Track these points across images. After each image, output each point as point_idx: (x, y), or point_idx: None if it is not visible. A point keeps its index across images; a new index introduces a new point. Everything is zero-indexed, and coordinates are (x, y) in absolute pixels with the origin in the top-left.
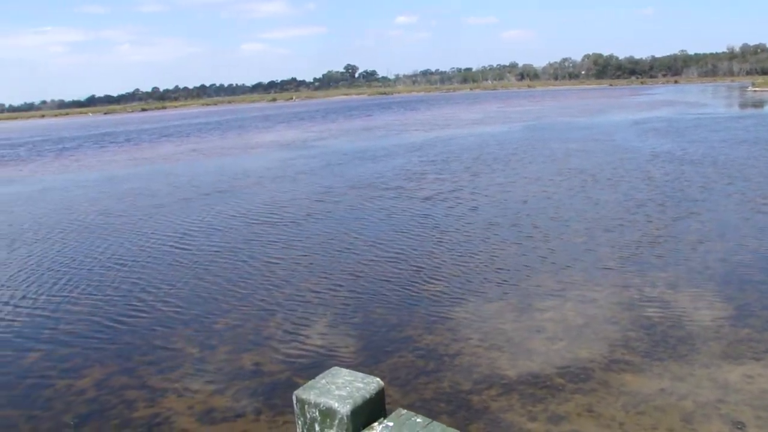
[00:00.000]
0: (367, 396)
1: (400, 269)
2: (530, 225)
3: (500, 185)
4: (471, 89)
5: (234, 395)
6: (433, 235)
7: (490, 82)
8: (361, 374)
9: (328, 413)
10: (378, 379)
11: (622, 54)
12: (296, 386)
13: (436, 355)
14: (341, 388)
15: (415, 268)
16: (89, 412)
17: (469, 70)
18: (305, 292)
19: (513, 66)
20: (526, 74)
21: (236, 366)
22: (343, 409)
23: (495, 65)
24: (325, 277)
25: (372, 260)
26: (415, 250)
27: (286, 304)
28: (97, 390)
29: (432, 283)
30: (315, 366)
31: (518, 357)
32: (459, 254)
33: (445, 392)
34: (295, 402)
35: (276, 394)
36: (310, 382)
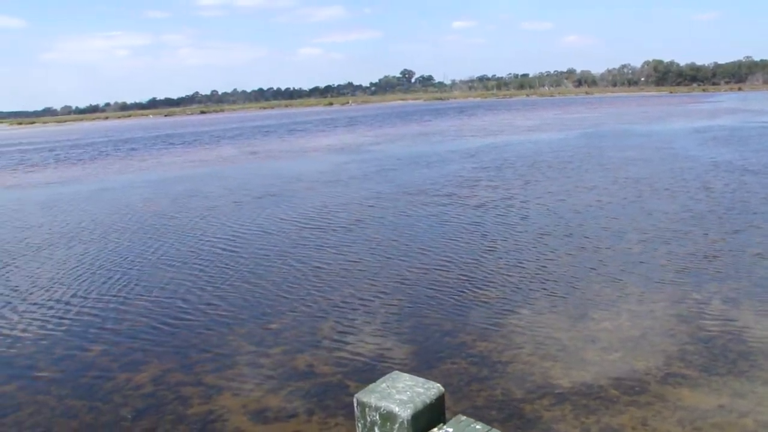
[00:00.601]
0: (428, 401)
1: (453, 275)
2: (584, 234)
3: (554, 194)
4: (527, 95)
5: (287, 395)
6: (486, 243)
7: (546, 88)
8: (421, 379)
9: (388, 417)
10: (438, 384)
11: (683, 60)
12: (349, 388)
13: (489, 362)
14: (402, 393)
15: (467, 275)
16: (146, 407)
17: (525, 76)
18: (358, 296)
19: (570, 72)
20: (584, 81)
21: (290, 367)
22: (404, 413)
23: (552, 71)
24: (378, 282)
25: (424, 266)
26: (467, 256)
27: (339, 307)
28: (154, 385)
29: (485, 290)
30: (368, 369)
31: (572, 367)
32: (511, 262)
33: (498, 400)
34: (356, 405)
35: (328, 396)
36: (371, 386)
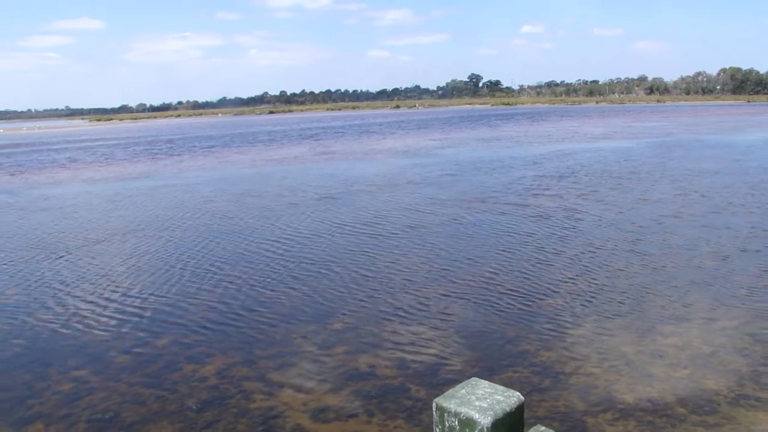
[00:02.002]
0: (508, 409)
1: (515, 284)
2: (651, 248)
3: (620, 205)
4: (597, 102)
5: (347, 396)
6: (548, 252)
7: (616, 95)
8: (501, 387)
9: (467, 423)
10: (518, 393)
11: (763, 68)
12: (409, 392)
13: (552, 373)
14: (481, 400)
15: (530, 284)
16: (210, 399)
17: (595, 82)
18: (420, 301)
19: (642, 79)
20: (656, 88)
21: (351, 367)
22: (484, 420)
23: (622, 78)
24: (440, 288)
25: (486, 273)
26: (529, 265)
27: (401, 311)
28: (219, 378)
29: (549, 300)
30: (429, 374)
31: (637, 381)
32: (575, 273)
33: (560, 411)
34: (434, 410)
35: (389, 399)
36: (450, 391)
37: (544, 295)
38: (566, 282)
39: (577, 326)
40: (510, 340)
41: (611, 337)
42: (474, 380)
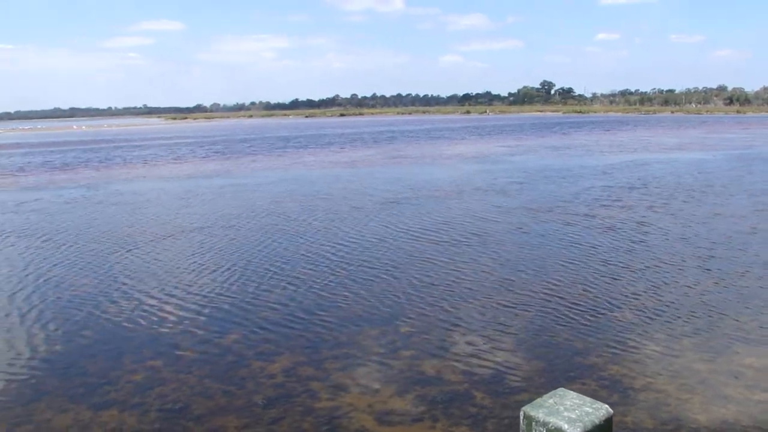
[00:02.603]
0: (597, 422)
1: (584, 296)
2: (727, 264)
3: (692, 218)
4: (672, 112)
5: (413, 400)
6: (617, 265)
7: (693, 105)
8: (588, 399)
9: None
10: (607, 406)
11: None
12: (475, 399)
13: (621, 388)
14: (570, 410)
15: (599, 296)
16: (277, 396)
17: (671, 91)
18: (487, 309)
19: (721, 89)
20: (736, 99)
21: (417, 371)
22: (573, 431)
23: (700, 88)
24: (508, 296)
25: (553, 283)
26: (598, 277)
27: (468, 317)
28: (285, 376)
29: (618, 313)
30: (495, 382)
31: (711, 402)
32: (646, 286)
33: (628, 428)
34: (522, 418)
35: (454, 405)
36: (537, 400)
37: (612, 308)
38: (635, 296)
39: (647, 342)
40: (577, 352)
41: (683, 355)
42: (561, 390)
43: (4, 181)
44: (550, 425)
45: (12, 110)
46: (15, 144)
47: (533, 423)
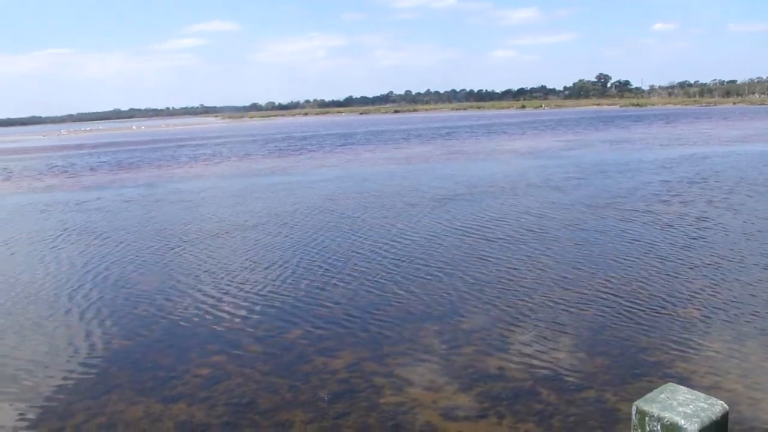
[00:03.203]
0: (714, 417)
1: (648, 292)
2: None
3: (756, 214)
4: (734, 103)
5: (477, 396)
6: (677, 262)
7: (757, 95)
8: (702, 394)
9: (672, 429)
10: (722, 402)
11: None
12: (540, 395)
13: (689, 385)
14: (684, 405)
15: (664, 293)
16: (341, 391)
17: (732, 82)
18: (549, 305)
19: None
20: None
21: (480, 368)
22: (691, 427)
23: (764, 77)
24: (570, 292)
25: (616, 280)
26: (662, 273)
27: (530, 314)
28: (349, 372)
29: (684, 309)
30: (559, 378)
31: None
32: (713, 283)
33: None
34: (634, 413)
35: (519, 401)
36: (649, 395)
37: (674, 306)
38: (697, 294)
39: (712, 340)
40: (642, 349)
41: (753, 353)
42: (671, 385)
43: (67, 181)
44: (665, 420)
45: (74, 112)
46: (77, 145)
47: (647, 418)
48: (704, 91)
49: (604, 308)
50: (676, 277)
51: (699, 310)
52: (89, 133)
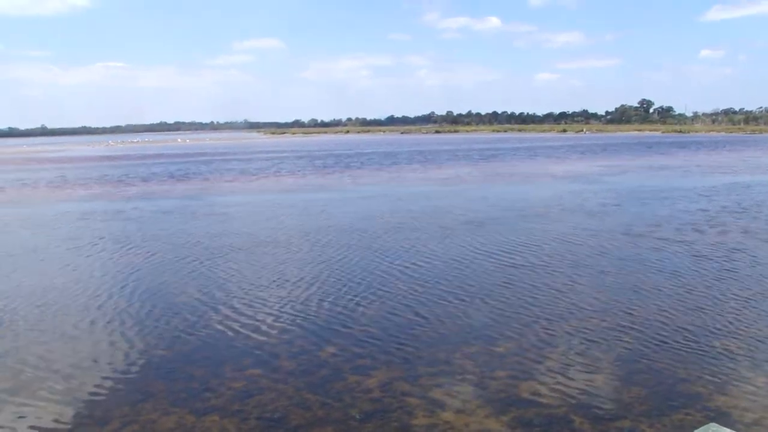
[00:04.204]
0: None
1: (686, 322)
2: None
3: None
4: None
5: (510, 421)
6: (720, 293)
7: None
8: None
9: None
10: None
11: None
12: (573, 423)
13: (729, 421)
14: None
15: (703, 323)
16: (372, 411)
17: None
18: (584, 331)
19: None
20: None
21: (513, 393)
22: None
23: None
24: (605, 320)
25: (653, 309)
26: (702, 304)
27: (564, 340)
28: (381, 391)
29: (725, 341)
30: (594, 407)
31: None
32: (750, 316)
33: None
34: None
35: (552, 429)
36: None
37: (713, 338)
38: (737, 326)
39: (754, 374)
40: (679, 380)
41: None
42: (714, 426)
43: (110, 190)
44: None
45: (123, 124)
46: (123, 155)
47: None
48: (749, 118)
49: (640, 338)
50: (716, 309)
51: (737, 343)
52: (136, 144)
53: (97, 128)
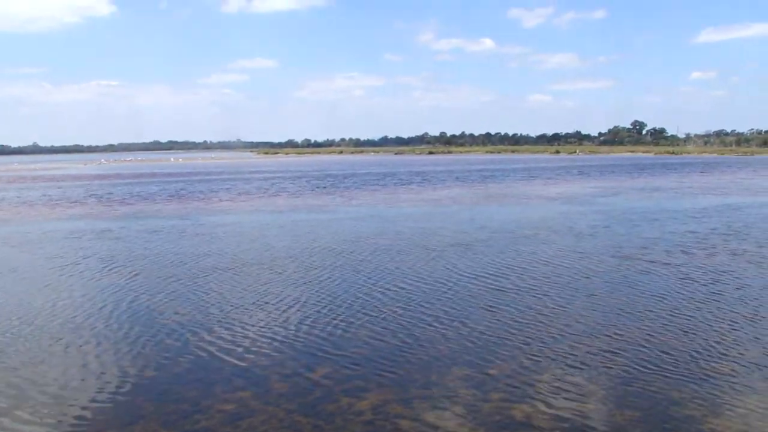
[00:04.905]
0: None
1: (679, 345)
2: None
3: None
4: None
5: None
6: (712, 315)
7: None
8: None
9: None
10: None
11: None
12: None
13: None
14: None
15: (695, 346)
16: None
17: None
18: (577, 355)
19: None
20: None
21: (507, 415)
22: None
23: None
24: (597, 343)
25: (644, 332)
26: (690, 328)
27: (558, 363)
28: (374, 414)
29: (716, 364)
30: (587, 429)
31: None
32: (747, 338)
33: None
34: None
35: None
36: None
37: (711, 358)
38: (737, 347)
39: (751, 394)
40: (674, 402)
41: None
42: None
43: (100, 209)
44: None
45: (116, 142)
46: (115, 174)
47: None
48: (741, 140)
49: (633, 361)
50: (703, 332)
51: (728, 365)
52: (128, 163)
53: (90, 146)
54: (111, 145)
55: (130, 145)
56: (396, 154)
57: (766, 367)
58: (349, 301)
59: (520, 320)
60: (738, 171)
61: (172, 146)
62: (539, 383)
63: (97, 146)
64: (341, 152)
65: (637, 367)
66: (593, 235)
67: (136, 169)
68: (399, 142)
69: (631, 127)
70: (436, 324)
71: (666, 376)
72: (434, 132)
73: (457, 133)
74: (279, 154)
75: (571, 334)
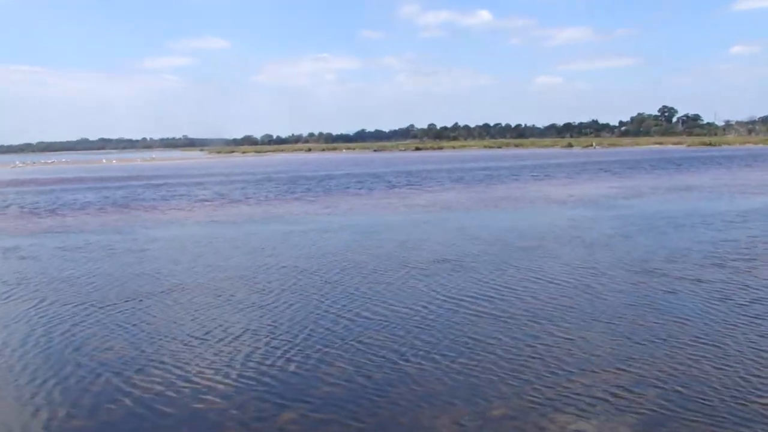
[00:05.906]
0: None
1: (715, 382)
2: None
3: None
4: None
5: None
6: (753, 343)
7: None
8: None
9: None
10: None
11: None
12: None
13: None
14: None
15: (734, 383)
16: None
17: None
18: (593, 389)
19: None
20: None
21: None
22: None
23: None
24: (620, 376)
25: (673, 367)
26: (729, 359)
27: (571, 400)
28: None
29: (761, 406)
30: None
31: None
32: None
33: None
34: None
35: None
36: None
37: (747, 402)
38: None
39: None
40: None
41: None
42: None
43: (10, 222)
44: None
45: (34, 141)
46: (33, 180)
47: None
48: None
49: (657, 404)
50: (743, 366)
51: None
52: (50, 166)
53: (1, 146)
54: (28, 144)
55: (51, 144)
56: (375, 151)
57: None
58: (314, 331)
59: (521, 354)
60: None
61: (103, 145)
62: (551, 425)
63: (11, 146)
64: (310, 150)
65: (661, 410)
66: (609, 246)
67: (60, 173)
68: (379, 136)
69: (659, 114)
70: (424, 358)
71: (697, 420)
72: (421, 124)
73: (449, 124)
74: (235, 153)
75: (582, 370)
